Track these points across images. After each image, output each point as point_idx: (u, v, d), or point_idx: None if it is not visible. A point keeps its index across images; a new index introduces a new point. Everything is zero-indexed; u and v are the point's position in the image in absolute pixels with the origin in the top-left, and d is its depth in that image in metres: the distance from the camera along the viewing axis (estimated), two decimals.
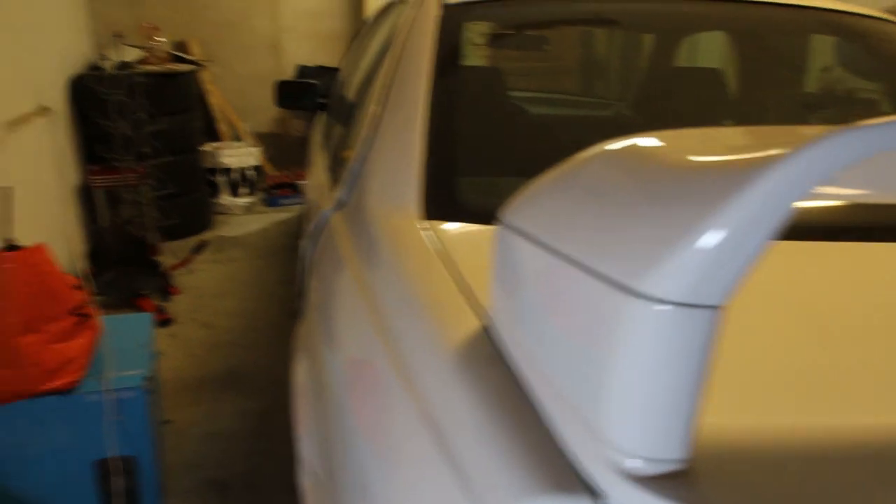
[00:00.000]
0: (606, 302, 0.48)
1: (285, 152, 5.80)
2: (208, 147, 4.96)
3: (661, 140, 0.54)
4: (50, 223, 3.22)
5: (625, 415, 0.48)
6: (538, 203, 0.60)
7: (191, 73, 4.52)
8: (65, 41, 3.98)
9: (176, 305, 3.51)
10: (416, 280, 0.91)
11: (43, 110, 3.30)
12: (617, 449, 0.49)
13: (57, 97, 3.66)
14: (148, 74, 3.94)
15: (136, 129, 3.78)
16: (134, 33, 4.39)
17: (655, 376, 0.46)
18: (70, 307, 1.89)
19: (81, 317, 1.92)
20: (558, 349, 0.55)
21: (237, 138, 5.40)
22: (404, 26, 1.46)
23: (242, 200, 5.15)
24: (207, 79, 5.26)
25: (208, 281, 3.86)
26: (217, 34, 5.49)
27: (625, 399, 0.48)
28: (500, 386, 0.65)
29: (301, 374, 1.38)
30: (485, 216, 1.07)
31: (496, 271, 0.68)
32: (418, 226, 1.05)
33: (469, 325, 0.76)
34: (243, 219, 5.02)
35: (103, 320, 2.07)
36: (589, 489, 0.52)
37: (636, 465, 0.48)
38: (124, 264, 3.42)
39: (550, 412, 0.58)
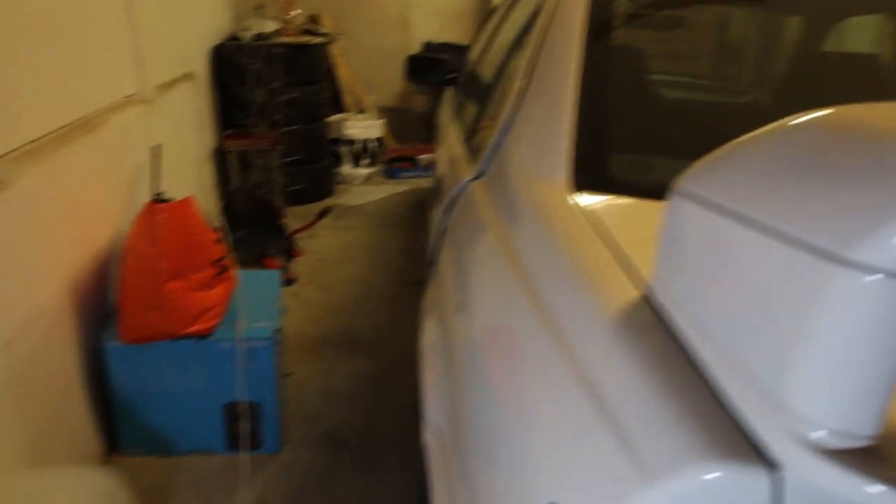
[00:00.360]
0: (809, 270, 0.47)
1: (407, 126, 5.90)
2: (334, 118, 5.12)
3: (873, 111, 0.53)
4: (189, 182, 3.43)
5: (816, 385, 0.47)
6: (728, 172, 0.58)
7: (322, 46, 4.67)
8: (209, 13, 4.19)
9: (298, 267, 3.66)
10: (570, 249, 0.92)
11: (188, 76, 3.50)
12: (802, 419, 0.48)
13: (200, 65, 3.87)
14: (283, 45, 4.10)
15: (270, 97, 3.94)
16: (272, 6, 4.56)
17: (856, 347, 0.45)
18: (212, 258, 2.01)
19: (221, 268, 2.05)
20: (738, 317, 0.54)
21: (361, 111, 5.54)
22: (552, 2, 1.47)
23: (363, 171, 5.29)
24: (336, 51, 5.41)
25: (329, 246, 4.01)
26: (347, 8, 5.62)
27: (819, 369, 0.47)
28: (663, 353, 0.65)
29: (429, 337, 1.42)
30: (633, 190, 1.07)
31: (665, 240, 0.66)
32: (569, 196, 1.06)
33: (627, 293, 0.76)
34: (363, 189, 5.15)
35: (238, 274, 2.20)
36: (764, 458, 0.51)
37: (821, 436, 0.48)
38: (253, 225, 3.59)
39: (722, 380, 0.58)
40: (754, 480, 0.50)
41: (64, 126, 1.98)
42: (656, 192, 1.06)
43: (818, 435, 0.48)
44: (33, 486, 1.40)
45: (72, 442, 1.96)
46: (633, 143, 1.26)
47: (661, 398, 0.60)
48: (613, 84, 1.28)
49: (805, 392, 0.48)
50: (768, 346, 0.50)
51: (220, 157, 4.08)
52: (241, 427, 2.07)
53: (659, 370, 0.63)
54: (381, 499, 2.04)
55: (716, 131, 1.38)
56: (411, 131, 5.91)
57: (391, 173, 5.43)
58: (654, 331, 0.68)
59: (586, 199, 1.04)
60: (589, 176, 1.10)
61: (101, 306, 2.16)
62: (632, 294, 0.76)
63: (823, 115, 0.54)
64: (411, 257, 3.91)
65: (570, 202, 1.04)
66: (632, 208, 1.03)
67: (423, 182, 5.25)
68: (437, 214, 1.84)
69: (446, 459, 1.12)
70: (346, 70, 5.51)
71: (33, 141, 1.79)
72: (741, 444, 0.53)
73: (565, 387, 0.73)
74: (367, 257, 3.89)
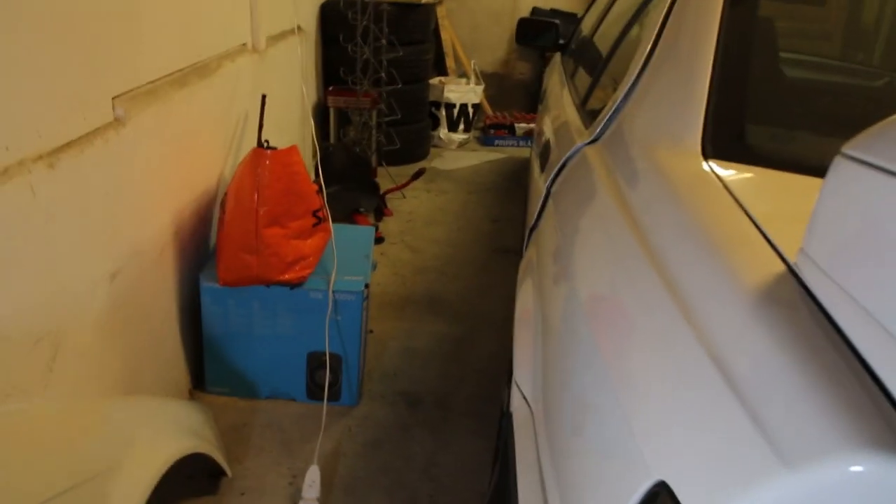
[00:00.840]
0: None
1: (506, 93, 5.85)
2: (434, 80, 5.11)
3: None
4: (292, 134, 3.49)
5: None
6: None
7: (430, 6, 4.65)
8: None
9: (388, 226, 3.70)
10: (704, 218, 0.88)
11: (298, 30, 3.55)
12: None
13: (309, 20, 3.91)
14: (391, 4, 4.10)
15: (374, 55, 3.96)
16: None
17: None
18: (310, 209, 2.05)
19: (318, 219, 2.08)
20: None
21: (462, 75, 5.51)
22: None
23: (459, 136, 5.27)
24: (442, 13, 5.38)
25: (420, 208, 4.03)
26: None
27: None
28: (812, 332, 0.61)
29: (525, 303, 1.41)
30: (769, 161, 1.03)
31: (826, 210, 0.62)
32: (703, 162, 1.02)
33: (770, 266, 0.72)
34: (457, 154, 5.15)
35: (333, 227, 2.24)
36: None
37: None
38: (347, 181, 3.63)
39: (881, 366, 0.53)
40: None
41: (181, 69, 2.04)
42: (795, 165, 1.02)
43: None
44: (126, 412, 1.47)
45: (163, 374, 2.05)
46: (768, 115, 1.21)
47: (805, 380, 0.56)
48: (752, 53, 1.23)
49: None
50: None
51: (322, 113, 4.14)
52: (323, 377, 2.12)
53: (806, 350, 0.59)
54: (454, 461, 2.06)
55: (852, 113, 1.31)
56: (511, 99, 5.84)
57: (486, 140, 5.39)
58: (801, 307, 0.64)
59: (720, 167, 1.00)
60: (723, 143, 1.05)
61: (201, 247, 2.24)
62: (776, 268, 0.71)
63: None
64: (501, 225, 3.89)
65: (705, 168, 1.00)
66: (770, 180, 0.98)
67: (520, 152, 5.20)
68: (540, 180, 1.81)
69: (534, 429, 1.11)
70: (451, 32, 5.48)
71: (151, 82, 1.85)
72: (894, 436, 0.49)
73: (691, 362, 0.69)
74: (456, 221, 3.89)
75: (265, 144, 2.05)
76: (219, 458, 1.68)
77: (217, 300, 2.08)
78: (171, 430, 1.51)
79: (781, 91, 1.35)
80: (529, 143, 5.06)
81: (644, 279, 0.89)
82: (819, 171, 0.98)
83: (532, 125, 5.25)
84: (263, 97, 2.33)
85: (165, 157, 1.91)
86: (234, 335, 2.13)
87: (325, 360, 2.11)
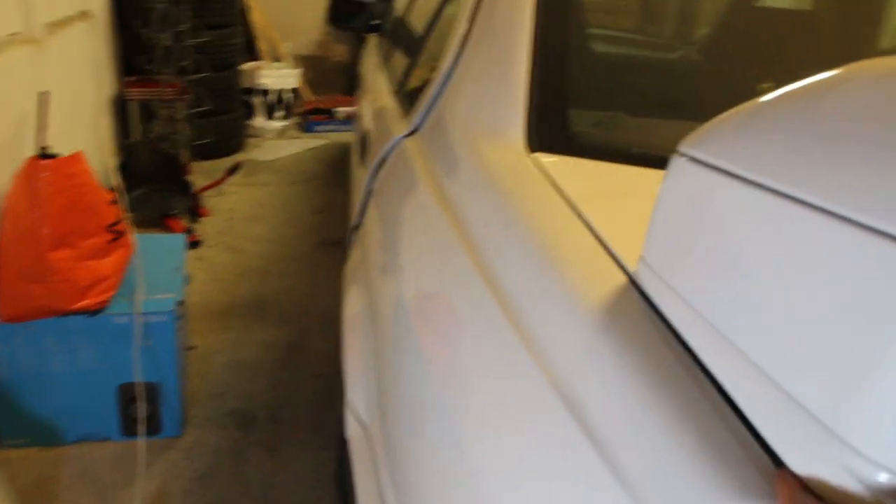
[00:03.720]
0: None
1: (325, 77, 5.65)
2: (246, 66, 4.82)
3: None
4: (84, 134, 3.14)
5: (886, 418, 0.36)
6: (770, 140, 0.46)
7: None
8: None
9: (205, 227, 3.44)
10: (533, 220, 0.80)
11: (84, 15, 3.19)
12: (858, 457, 0.37)
13: (98, 3, 3.53)
14: None
15: (177, 41, 3.66)
16: None
17: None
18: (105, 223, 1.81)
19: (116, 234, 1.84)
20: (783, 321, 0.42)
21: (276, 59, 5.25)
22: None
23: (277, 124, 5.03)
24: None
25: (239, 204, 3.79)
26: None
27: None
28: (660, 352, 0.54)
29: (352, 309, 1.29)
30: (595, 150, 0.96)
31: (668, 215, 0.55)
32: (528, 157, 0.94)
33: (609, 276, 0.65)
34: (276, 143, 4.91)
35: (136, 239, 2.00)
36: None
37: (885, 479, 0.37)
38: (155, 182, 3.34)
39: (746, 399, 0.47)
40: None
41: None
42: (622, 155, 0.97)
43: (881, 478, 0.37)
44: None
45: None
46: (590, 99, 1.15)
47: (660, 419, 0.49)
48: (570, 31, 1.16)
49: (870, 425, 0.37)
50: (826, 365, 0.39)
51: (121, 107, 3.76)
52: (138, 410, 1.90)
53: (656, 378, 0.52)
54: (294, 479, 1.91)
55: (667, 89, 1.29)
56: (329, 82, 5.65)
57: (307, 127, 5.19)
58: (645, 324, 0.57)
59: (548, 162, 0.92)
60: (548, 134, 0.98)
61: None
62: (614, 277, 0.65)
63: (880, 68, 0.42)
64: (327, 216, 3.73)
65: (530, 164, 0.92)
66: (594, 170, 0.92)
67: (342, 136, 5.05)
68: (362, 174, 1.69)
69: (374, 457, 1.00)
70: (260, 14, 5.20)
71: None
72: (761, 484, 0.43)
73: (534, 393, 0.61)
74: (279, 216, 3.69)
75: (46, 152, 1.78)
76: None
77: (1, 340, 1.79)
78: None
79: (600, 72, 1.30)
80: (351, 127, 4.94)
81: (471, 289, 0.81)
82: (648, 160, 0.95)
83: (353, 108, 5.12)
84: (43, 95, 2.04)
85: None
86: (26, 377, 1.84)
87: (138, 392, 1.89)
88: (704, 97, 1.24)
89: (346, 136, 5.01)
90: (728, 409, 0.48)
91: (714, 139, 0.50)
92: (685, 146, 0.53)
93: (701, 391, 0.50)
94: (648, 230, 0.57)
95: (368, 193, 1.51)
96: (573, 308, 0.64)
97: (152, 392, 1.92)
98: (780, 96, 0.47)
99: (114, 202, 1.91)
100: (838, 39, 1.47)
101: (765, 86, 1.16)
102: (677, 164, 0.54)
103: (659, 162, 0.93)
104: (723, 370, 0.48)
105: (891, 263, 0.35)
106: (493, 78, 1.11)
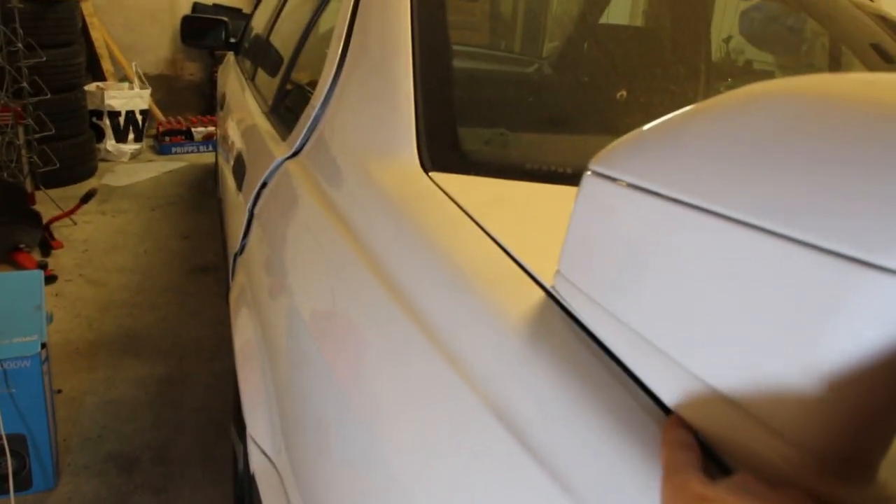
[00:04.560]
0: (825, 277, 0.36)
1: (178, 96, 5.41)
2: (92, 87, 4.53)
3: (871, 83, 0.42)
4: None
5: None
6: (682, 156, 0.47)
7: (72, 3, 4.08)
8: None
9: (59, 260, 3.19)
10: (439, 240, 0.78)
11: None
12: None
13: None
14: (22, 1, 3.52)
15: (9, 61, 3.38)
16: None
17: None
18: None
19: None
20: (707, 328, 0.44)
21: (124, 78, 4.97)
22: None
23: (129, 147, 4.75)
24: (90, 10, 4.79)
25: (95, 234, 3.54)
26: None
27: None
28: (587, 365, 0.54)
29: (246, 336, 1.21)
30: (489, 168, 0.96)
31: (582, 230, 0.56)
32: (425, 177, 0.91)
33: (526, 292, 0.65)
34: (131, 167, 4.64)
35: None
36: None
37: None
38: None
39: (676, 403, 0.48)
40: None
41: None
42: (520, 171, 0.96)
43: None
44: None
45: None
46: (477, 116, 1.14)
47: (598, 435, 0.50)
48: (450, 50, 1.15)
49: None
50: (751, 365, 0.41)
51: None
52: (5, 466, 1.71)
53: (586, 389, 0.53)
54: None
55: (542, 103, 1.31)
56: (183, 102, 5.42)
57: (163, 149, 4.94)
58: (566, 335, 0.58)
59: (446, 180, 0.90)
60: (442, 154, 0.96)
61: None
62: (529, 289, 0.64)
63: (795, 87, 0.44)
64: (195, 241, 3.56)
65: (430, 184, 0.89)
66: (502, 190, 0.91)
67: (202, 158, 4.84)
68: (239, 199, 1.61)
69: (283, 485, 0.94)
70: (102, 31, 4.91)
71: None
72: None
73: (466, 411, 0.60)
74: (142, 244, 3.48)
75: None
76: None
77: None
78: None
79: (478, 89, 1.31)
80: (211, 148, 4.74)
81: (380, 312, 0.78)
82: (543, 176, 0.96)
83: (212, 128, 4.92)
84: None
85: None
86: None
87: (2, 447, 1.70)
88: (578, 111, 1.27)
89: (207, 158, 4.82)
90: (648, 399, 0.50)
91: (620, 157, 0.53)
92: (595, 164, 0.55)
93: (627, 392, 0.52)
94: (564, 245, 0.58)
95: (251, 217, 1.44)
96: (493, 320, 0.64)
97: (19, 444, 1.74)
98: (674, 119, 0.50)
99: None
100: (674, 51, 1.57)
101: (619, 94, 1.21)
102: (588, 181, 0.55)
103: (553, 177, 0.95)
104: (641, 367, 0.50)
105: (772, 256, 0.39)
106: (378, 100, 1.09)
